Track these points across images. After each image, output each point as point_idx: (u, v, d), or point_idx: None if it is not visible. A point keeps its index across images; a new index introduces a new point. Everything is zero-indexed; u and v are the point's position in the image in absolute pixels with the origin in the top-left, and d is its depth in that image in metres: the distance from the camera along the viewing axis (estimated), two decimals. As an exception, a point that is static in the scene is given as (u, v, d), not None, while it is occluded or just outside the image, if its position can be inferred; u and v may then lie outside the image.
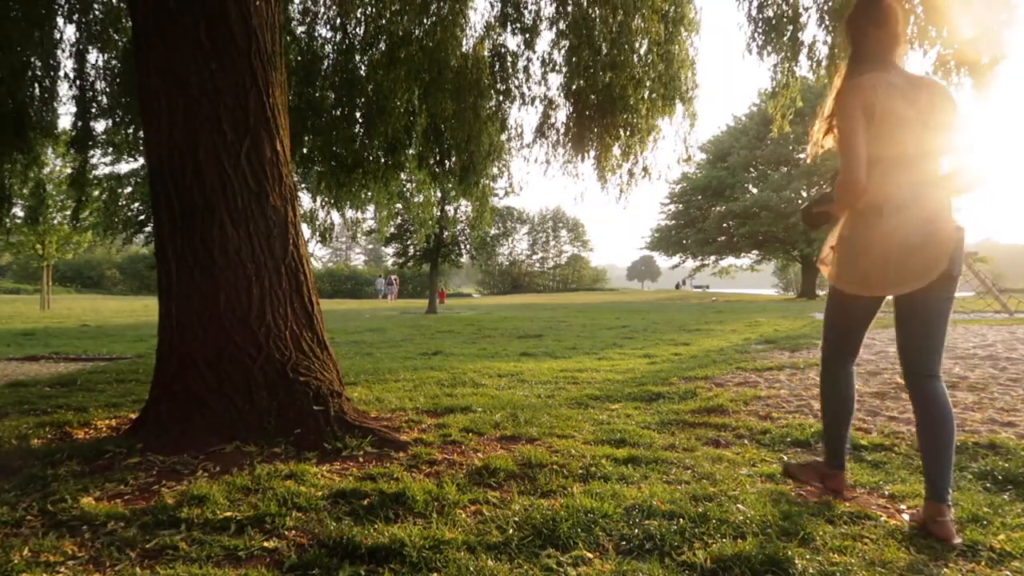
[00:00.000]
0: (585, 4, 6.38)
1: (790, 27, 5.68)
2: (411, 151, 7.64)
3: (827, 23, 5.49)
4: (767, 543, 2.20)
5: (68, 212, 20.58)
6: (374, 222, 17.71)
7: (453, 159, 7.56)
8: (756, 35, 5.79)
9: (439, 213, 21.86)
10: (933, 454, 2.36)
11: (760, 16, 5.73)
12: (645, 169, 6.96)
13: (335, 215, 9.81)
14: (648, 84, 6.51)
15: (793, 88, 6.06)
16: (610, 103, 6.50)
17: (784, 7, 5.67)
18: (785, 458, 3.30)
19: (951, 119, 2.43)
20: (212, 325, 3.48)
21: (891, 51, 2.49)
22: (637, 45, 6.47)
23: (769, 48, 5.76)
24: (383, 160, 7.48)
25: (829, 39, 5.55)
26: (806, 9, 5.55)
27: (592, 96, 6.59)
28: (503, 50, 6.93)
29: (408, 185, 9.68)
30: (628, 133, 6.75)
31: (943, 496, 2.31)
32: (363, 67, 7.04)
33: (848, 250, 2.45)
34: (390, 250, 35.73)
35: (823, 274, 2.62)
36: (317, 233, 9.59)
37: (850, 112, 2.38)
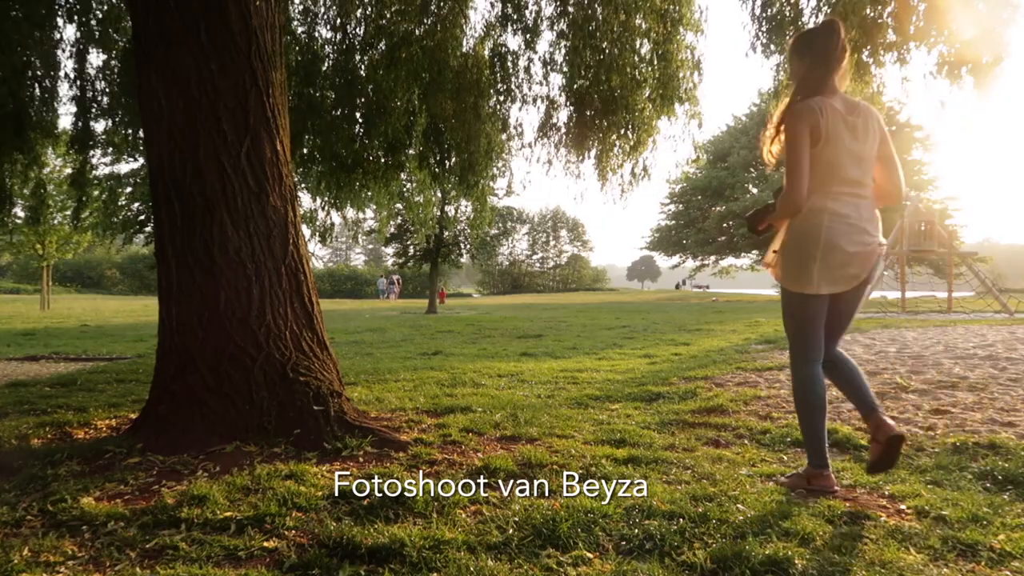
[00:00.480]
0: (586, 4, 6.38)
1: (792, 27, 5.68)
2: (411, 151, 7.64)
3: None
4: (767, 543, 2.20)
5: (68, 212, 20.58)
6: (374, 222, 17.73)
7: (453, 159, 7.57)
8: (760, 34, 5.79)
9: (439, 213, 21.86)
10: (856, 390, 2.83)
11: (764, 15, 5.73)
12: (645, 169, 6.96)
13: (335, 215, 9.82)
14: (649, 84, 6.51)
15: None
16: (611, 103, 6.50)
17: (787, 5, 5.67)
18: (785, 458, 3.30)
19: (881, 140, 2.78)
20: (212, 325, 3.48)
21: (834, 77, 2.75)
22: (638, 45, 6.47)
23: (773, 47, 5.76)
24: (383, 160, 7.48)
25: None
26: (809, 8, 5.55)
27: (593, 96, 6.59)
28: (503, 50, 6.94)
29: (408, 185, 9.68)
30: (629, 133, 6.75)
31: (875, 406, 2.77)
32: (363, 67, 7.05)
33: (795, 255, 2.73)
34: (390, 250, 35.74)
35: (771, 275, 2.90)
36: (317, 233, 9.59)
37: (798, 132, 2.63)
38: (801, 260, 2.71)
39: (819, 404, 2.80)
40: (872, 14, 5.10)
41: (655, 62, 6.38)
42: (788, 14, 5.69)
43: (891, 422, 2.66)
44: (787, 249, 2.77)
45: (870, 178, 2.74)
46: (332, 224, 9.76)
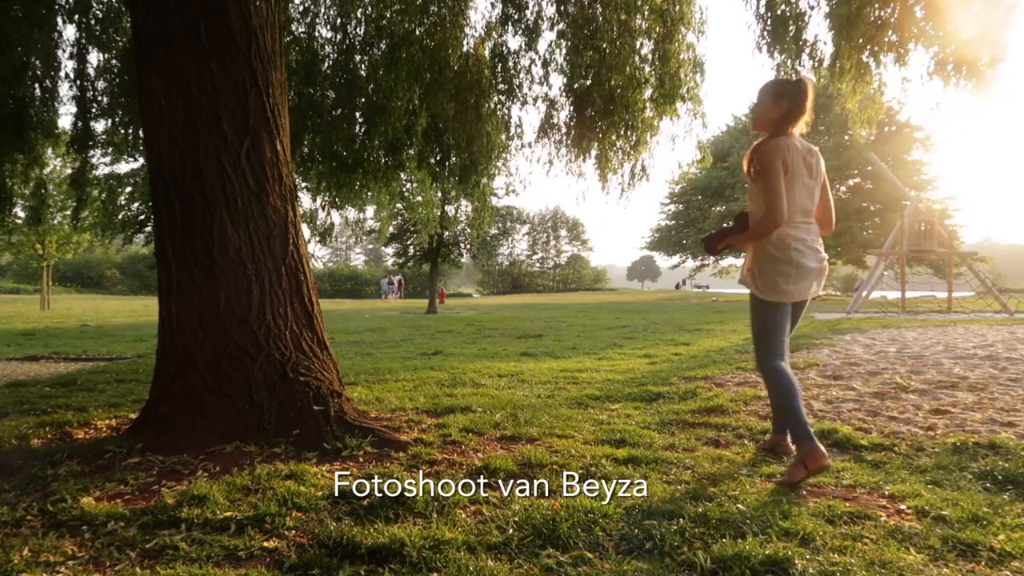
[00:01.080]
0: (586, 4, 6.38)
1: (792, 26, 5.68)
2: (411, 151, 7.64)
3: (830, 23, 5.48)
4: (767, 543, 2.20)
5: (68, 212, 20.54)
6: (374, 222, 17.72)
7: (453, 159, 7.56)
8: (765, 33, 5.79)
9: (439, 213, 21.84)
10: (774, 405, 3.30)
11: (769, 14, 5.73)
12: (644, 169, 6.96)
13: (335, 215, 9.80)
14: (650, 84, 6.50)
15: None
16: (611, 103, 6.50)
17: (790, 5, 5.67)
18: (785, 458, 3.29)
19: (824, 180, 3.28)
20: (212, 325, 3.48)
21: (798, 122, 3.18)
22: (639, 45, 6.47)
23: (778, 47, 5.76)
24: (383, 160, 7.47)
25: (830, 38, 5.55)
26: (811, 8, 5.55)
27: (594, 96, 6.58)
28: (504, 50, 6.93)
29: (409, 185, 9.67)
30: (629, 133, 6.74)
31: (784, 432, 3.31)
32: (364, 67, 7.04)
33: (772, 272, 3.16)
34: (390, 250, 35.73)
35: (749, 290, 3.32)
36: (317, 234, 9.58)
37: (774, 165, 3.04)
38: (778, 276, 3.15)
39: (795, 388, 3.14)
40: (876, 15, 5.09)
41: (656, 62, 6.38)
42: (791, 14, 5.69)
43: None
44: (763, 267, 3.19)
45: (814, 206, 3.24)
46: (332, 224, 9.75)
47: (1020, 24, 4.94)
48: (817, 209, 3.25)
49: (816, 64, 5.81)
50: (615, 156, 6.91)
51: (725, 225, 3.34)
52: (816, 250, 3.19)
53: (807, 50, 5.78)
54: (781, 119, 3.15)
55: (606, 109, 6.56)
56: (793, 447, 3.26)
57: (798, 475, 2.88)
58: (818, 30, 5.93)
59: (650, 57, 6.43)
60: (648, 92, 6.54)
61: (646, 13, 6.23)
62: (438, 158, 7.65)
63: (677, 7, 6.26)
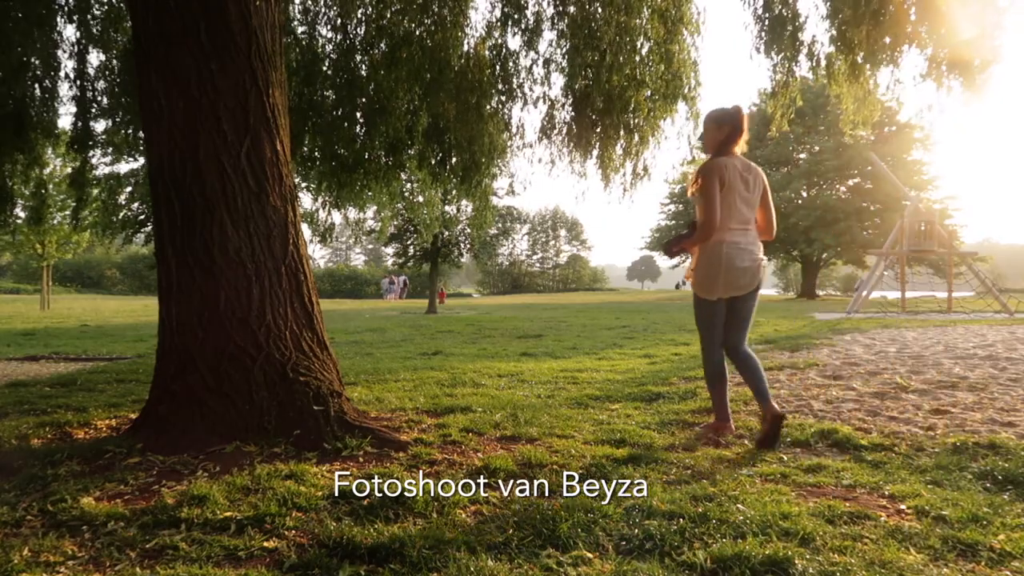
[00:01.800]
0: (586, 4, 6.38)
1: (790, 26, 5.68)
2: (412, 151, 7.63)
3: (826, 23, 5.49)
4: (767, 543, 2.20)
5: (68, 212, 20.52)
6: (375, 222, 17.71)
7: (454, 159, 7.55)
8: (763, 34, 5.79)
9: (441, 213, 21.82)
10: (757, 383, 3.70)
11: (767, 15, 5.73)
12: (646, 168, 6.95)
13: (336, 215, 9.81)
14: (650, 84, 6.50)
15: (793, 87, 6.07)
16: (612, 103, 6.50)
17: (787, 6, 5.67)
18: (785, 458, 3.30)
19: (763, 192, 3.82)
20: (212, 325, 3.48)
21: (738, 142, 3.76)
22: (639, 45, 6.47)
23: (776, 46, 5.76)
24: (384, 160, 7.47)
25: (827, 38, 5.55)
26: (809, 9, 5.58)
27: (595, 96, 6.58)
28: (505, 50, 6.93)
29: (409, 185, 9.67)
30: (630, 133, 6.74)
31: (769, 399, 3.64)
32: (364, 67, 7.04)
33: (706, 272, 3.74)
34: (390, 250, 35.74)
35: (691, 287, 3.87)
36: (317, 234, 9.58)
37: (712, 181, 3.66)
38: (710, 276, 3.74)
39: (724, 377, 3.87)
40: (871, 17, 5.09)
41: (657, 62, 6.38)
42: (788, 14, 5.69)
43: (777, 407, 3.61)
44: (699, 269, 3.78)
45: (755, 218, 3.80)
46: (332, 224, 9.74)
47: (1013, 27, 4.92)
48: (759, 218, 3.82)
49: (814, 65, 5.82)
50: (616, 156, 6.91)
51: (682, 232, 3.92)
52: (751, 252, 3.73)
53: (804, 50, 5.78)
54: (723, 142, 3.75)
55: (607, 109, 6.56)
56: (726, 423, 3.89)
57: (706, 435, 3.74)
58: (815, 31, 5.92)
59: (651, 57, 6.43)
60: (648, 92, 6.54)
61: (647, 13, 6.23)
62: (439, 158, 7.65)
63: (677, 8, 6.26)
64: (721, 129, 3.76)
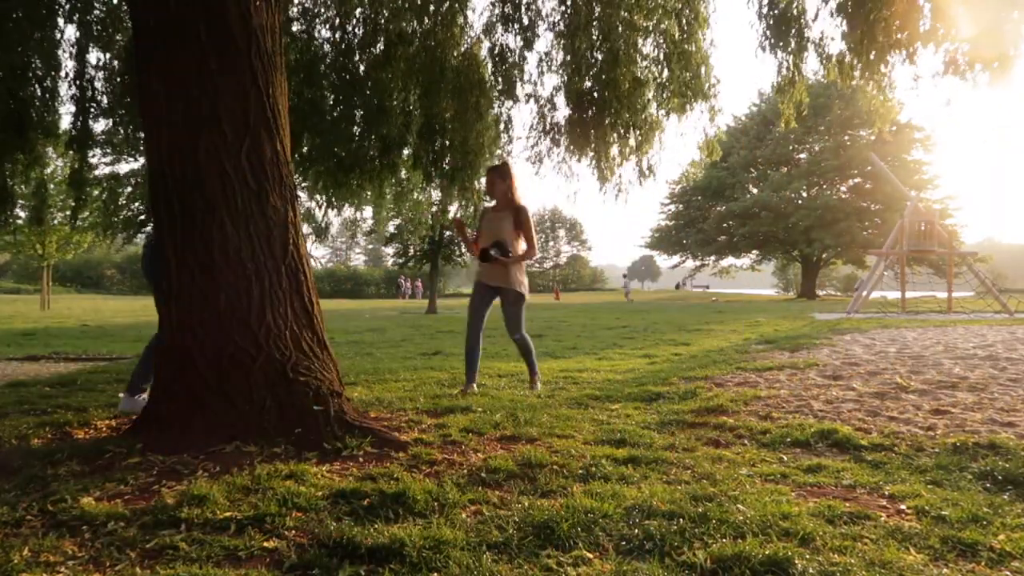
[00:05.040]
0: (585, 4, 6.38)
1: (796, 24, 5.68)
2: (408, 151, 7.64)
3: (836, 19, 5.47)
4: (767, 543, 2.20)
5: (68, 212, 20.48)
6: (373, 222, 17.71)
7: (447, 159, 7.55)
8: (768, 32, 5.79)
9: (438, 213, 21.80)
10: (531, 357, 5.48)
11: (772, 13, 5.72)
12: (650, 168, 6.96)
13: (332, 214, 9.81)
14: (655, 83, 6.51)
15: (800, 85, 6.06)
16: (612, 103, 6.50)
17: (792, 3, 5.67)
18: (785, 458, 3.30)
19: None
20: (212, 325, 3.47)
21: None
22: (640, 44, 6.47)
23: (782, 44, 5.76)
24: (379, 160, 7.48)
25: (838, 35, 5.54)
26: (819, 5, 5.54)
27: (594, 96, 6.58)
28: (503, 50, 6.93)
29: (406, 184, 9.67)
30: (631, 133, 6.74)
31: (535, 371, 5.55)
32: (362, 67, 7.04)
33: (525, 282, 5.28)
34: (390, 250, 35.72)
35: (517, 291, 5.24)
36: (313, 232, 9.60)
37: (530, 217, 5.25)
38: (526, 283, 5.27)
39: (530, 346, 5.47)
40: (885, 12, 5.07)
41: (665, 60, 6.38)
42: (793, 13, 5.69)
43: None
44: (525, 281, 5.27)
45: None
46: (328, 224, 9.76)
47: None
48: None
49: (824, 61, 5.80)
50: (615, 156, 6.92)
51: (494, 252, 5.09)
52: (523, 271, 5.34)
53: (812, 47, 5.78)
54: (516, 189, 5.20)
55: (606, 109, 6.56)
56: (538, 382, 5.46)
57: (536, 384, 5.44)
58: (825, 27, 5.91)
59: (654, 55, 6.43)
60: (651, 91, 6.55)
61: (647, 12, 6.23)
62: (432, 158, 7.64)
63: (684, 5, 6.26)
64: (505, 180, 5.16)
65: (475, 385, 5.37)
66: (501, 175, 5.21)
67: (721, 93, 6.61)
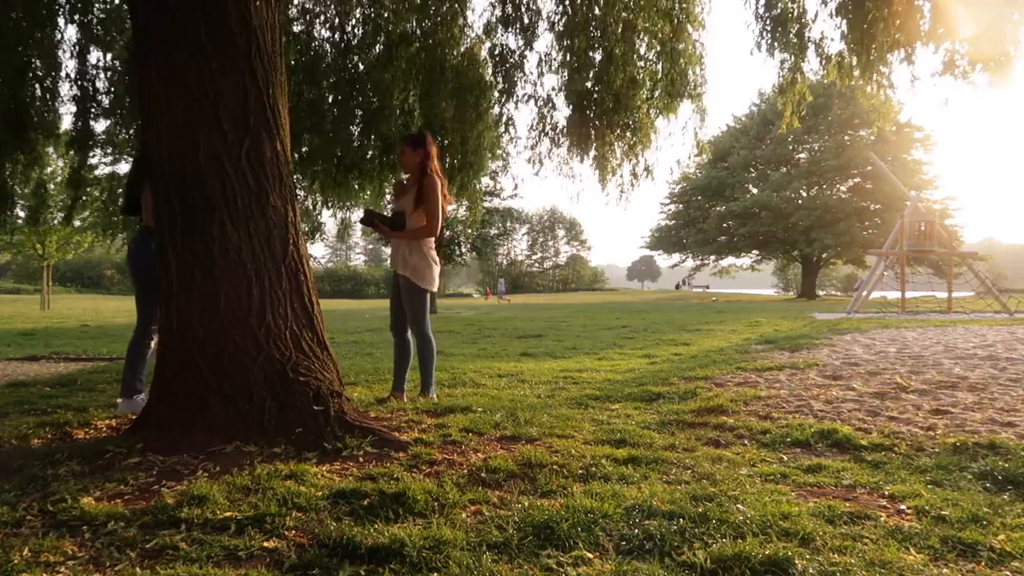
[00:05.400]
0: (585, 4, 6.38)
1: (796, 24, 5.68)
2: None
3: (836, 19, 5.46)
4: (767, 543, 2.20)
5: (65, 212, 20.43)
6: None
7: (447, 159, 7.56)
8: (764, 32, 5.79)
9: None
10: (426, 365, 4.86)
11: (768, 14, 5.72)
12: (647, 169, 6.96)
13: (332, 214, 9.85)
14: (649, 83, 6.50)
15: (801, 84, 6.06)
16: (611, 103, 6.50)
17: (791, 3, 5.66)
18: (785, 458, 3.30)
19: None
20: (212, 325, 3.47)
21: (435, 161, 4.61)
22: (637, 44, 6.47)
23: (780, 45, 5.75)
24: (379, 160, 7.48)
25: (838, 36, 5.53)
26: (818, 5, 5.53)
27: (594, 96, 6.58)
28: (503, 50, 6.93)
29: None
30: (630, 133, 6.74)
31: (429, 388, 4.89)
32: (362, 67, 7.05)
33: (427, 270, 4.62)
34: (390, 250, 35.77)
35: (408, 279, 4.65)
36: (310, 231, 9.62)
37: (438, 195, 4.49)
38: (432, 274, 4.63)
39: (434, 351, 4.86)
40: (884, 12, 5.06)
41: (658, 60, 6.39)
42: (792, 13, 5.68)
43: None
44: (422, 268, 4.59)
45: None
46: (322, 223, 9.84)
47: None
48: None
49: (824, 61, 5.79)
50: (614, 156, 6.92)
51: (387, 214, 4.72)
52: (436, 257, 4.74)
53: (812, 48, 5.77)
54: (426, 161, 4.54)
55: (606, 109, 6.56)
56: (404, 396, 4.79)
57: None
58: (824, 27, 5.91)
59: (652, 55, 6.43)
60: (647, 92, 6.54)
61: (646, 12, 6.23)
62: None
63: (681, 5, 6.25)
64: (417, 151, 4.56)
65: (404, 393, 4.80)
66: (412, 144, 4.62)
67: (708, 93, 6.62)
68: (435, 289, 4.67)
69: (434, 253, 4.63)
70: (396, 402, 4.58)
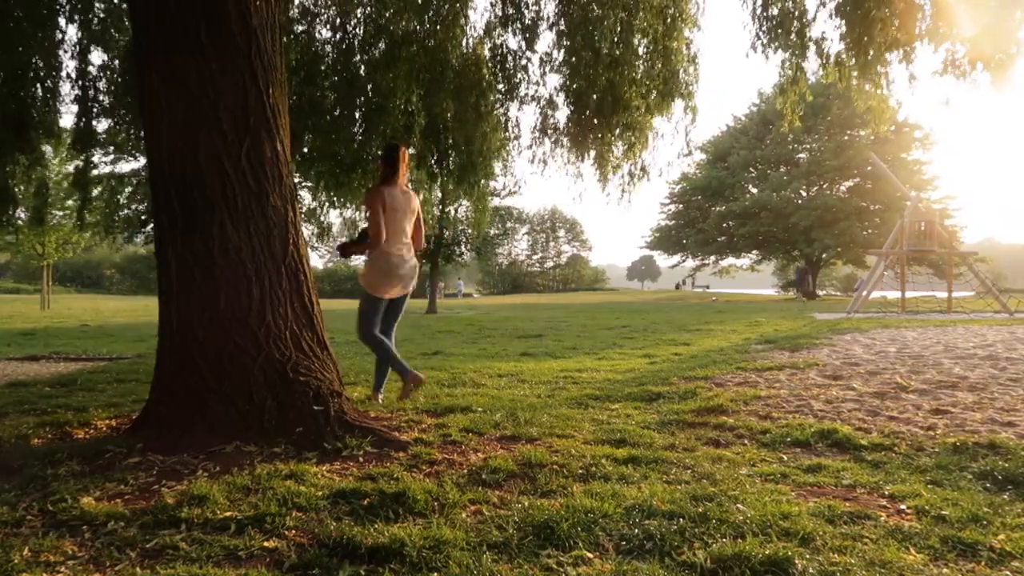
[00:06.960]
0: (585, 4, 6.38)
1: (796, 24, 5.67)
2: (410, 151, 7.64)
3: (835, 19, 5.45)
4: (767, 543, 2.20)
5: (69, 212, 20.48)
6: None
7: (452, 158, 7.56)
8: (760, 33, 5.78)
9: (439, 213, 21.84)
10: (395, 361, 4.73)
11: (765, 14, 5.71)
12: (644, 169, 6.95)
13: (333, 214, 9.83)
14: (651, 83, 6.50)
15: (802, 84, 6.05)
16: (611, 103, 6.50)
17: (788, 3, 5.65)
18: (785, 458, 3.30)
19: (416, 212, 4.79)
20: (212, 325, 3.48)
21: (398, 173, 4.67)
22: (636, 44, 6.47)
23: (777, 44, 5.75)
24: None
25: (838, 34, 5.52)
26: (817, 5, 5.51)
27: (593, 96, 6.58)
28: (504, 50, 6.93)
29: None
30: (628, 132, 6.74)
31: (380, 383, 4.87)
32: (363, 67, 7.05)
33: (377, 274, 4.63)
34: (391, 250, 35.75)
35: (362, 286, 4.75)
36: (315, 232, 9.61)
37: (374, 205, 4.56)
38: (380, 279, 4.64)
39: (388, 345, 4.74)
40: (884, 12, 5.05)
41: (656, 60, 6.38)
42: (791, 11, 5.67)
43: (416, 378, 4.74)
44: (371, 272, 4.64)
45: (409, 231, 4.75)
46: (329, 224, 9.79)
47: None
48: (412, 232, 4.77)
49: (823, 61, 5.78)
50: (614, 156, 6.91)
51: (354, 238, 4.87)
52: (407, 261, 4.70)
53: (812, 47, 5.76)
54: (386, 174, 4.67)
55: (605, 109, 6.56)
56: (381, 395, 4.84)
57: (408, 394, 4.69)
58: (823, 27, 5.89)
59: (650, 55, 6.43)
60: (645, 91, 6.54)
61: (645, 12, 6.22)
62: (435, 157, 7.65)
63: (675, 5, 6.25)
64: (386, 165, 4.72)
65: (380, 396, 4.83)
66: (381, 157, 4.82)
67: (699, 93, 6.61)
68: (384, 295, 4.69)
69: (384, 260, 4.59)
70: (375, 403, 4.68)
